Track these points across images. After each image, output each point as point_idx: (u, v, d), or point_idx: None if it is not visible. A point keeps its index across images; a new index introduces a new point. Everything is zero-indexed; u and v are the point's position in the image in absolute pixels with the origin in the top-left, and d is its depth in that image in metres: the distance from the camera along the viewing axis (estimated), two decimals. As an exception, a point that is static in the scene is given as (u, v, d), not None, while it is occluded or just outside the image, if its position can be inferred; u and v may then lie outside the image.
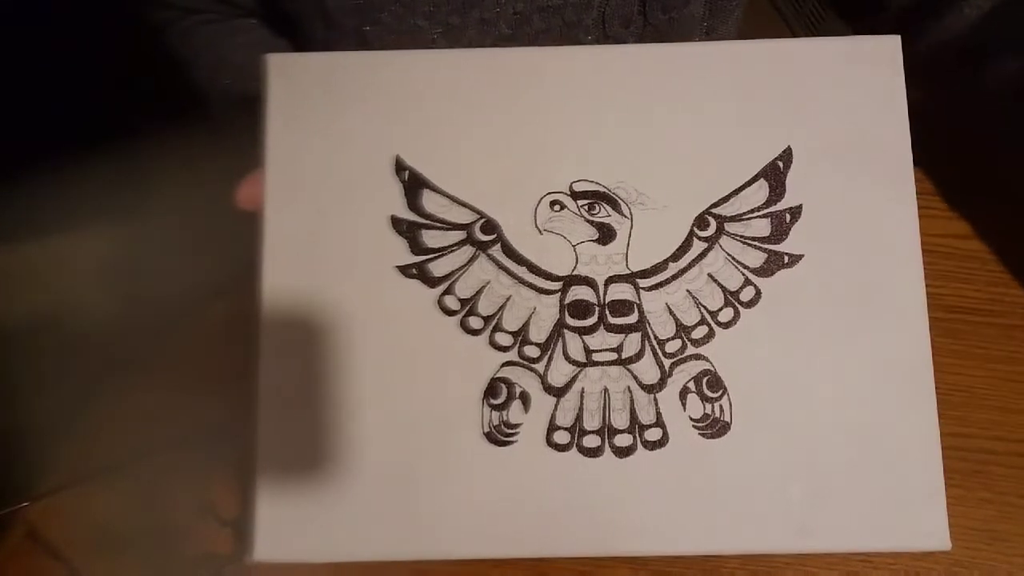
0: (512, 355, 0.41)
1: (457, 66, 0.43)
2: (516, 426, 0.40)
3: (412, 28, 0.55)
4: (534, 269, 0.42)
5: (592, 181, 0.42)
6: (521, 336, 0.41)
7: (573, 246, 0.42)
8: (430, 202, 0.42)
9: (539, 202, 0.42)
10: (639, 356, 0.41)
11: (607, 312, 0.41)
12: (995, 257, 0.58)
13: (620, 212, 0.42)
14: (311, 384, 0.41)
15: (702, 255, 0.42)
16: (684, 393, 0.41)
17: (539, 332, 0.41)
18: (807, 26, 1.39)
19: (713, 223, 0.42)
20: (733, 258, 0.42)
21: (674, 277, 0.41)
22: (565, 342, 0.41)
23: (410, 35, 0.55)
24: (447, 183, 0.42)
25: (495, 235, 0.42)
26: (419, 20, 0.54)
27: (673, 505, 0.40)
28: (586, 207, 0.42)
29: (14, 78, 0.83)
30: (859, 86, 0.42)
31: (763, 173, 0.42)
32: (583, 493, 0.40)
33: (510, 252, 0.42)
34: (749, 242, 0.42)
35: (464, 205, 0.42)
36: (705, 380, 0.41)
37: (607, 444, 0.40)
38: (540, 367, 0.41)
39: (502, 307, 0.41)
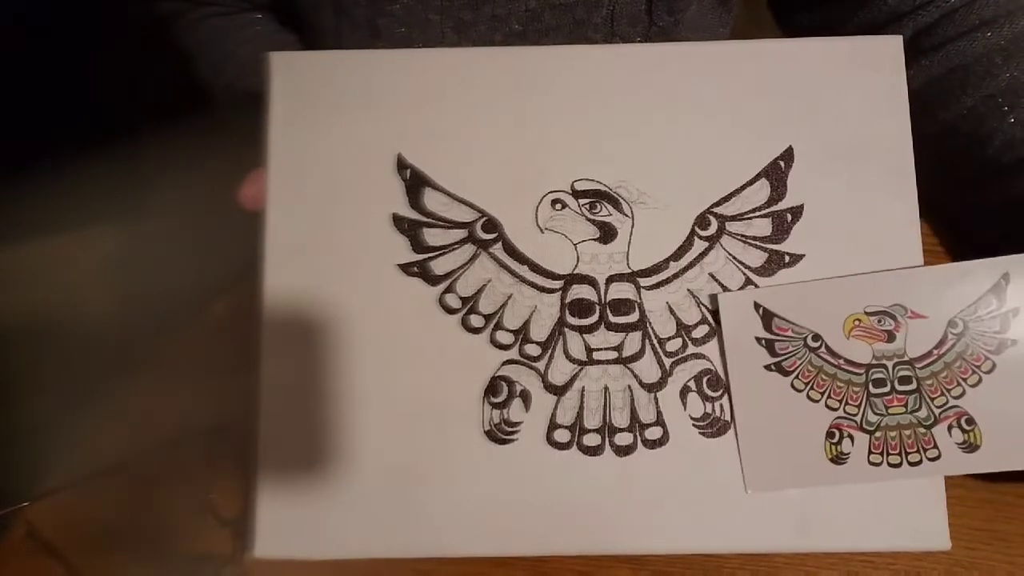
0: (513, 353, 0.41)
1: (458, 65, 0.43)
2: (517, 424, 0.40)
3: (423, 22, 0.55)
4: (535, 268, 0.42)
5: (593, 180, 0.42)
6: (522, 335, 0.41)
7: (574, 245, 0.42)
8: (431, 200, 0.42)
9: (540, 201, 0.42)
10: (640, 355, 0.41)
11: (608, 311, 0.41)
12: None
13: (621, 211, 0.42)
14: (312, 382, 0.41)
15: (703, 254, 0.42)
16: (685, 392, 0.41)
17: (540, 331, 0.41)
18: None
19: (714, 222, 0.42)
20: (734, 257, 0.42)
21: (675, 276, 0.42)
22: (566, 341, 0.41)
23: (421, 29, 0.55)
24: (448, 181, 0.42)
25: (496, 233, 0.42)
26: (431, 14, 0.54)
27: (673, 504, 0.40)
28: (587, 206, 0.42)
29: (14, 78, 0.83)
30: (861, 86, 0.42)
31: (764, 172, 0.42)
32: (583, 492, 0.40)
33: (511, 251, 0.42)
34: (750, 241, 0.42)
35: (465, 203, 0.42)
36: (706, 379, 0.41)
37: (607, 443, 0.40)
38: (541, 366, 0.41)
39: (503, 305, 0.41)
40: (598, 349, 0.41)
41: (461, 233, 0.42)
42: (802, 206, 0.42)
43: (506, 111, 0.42)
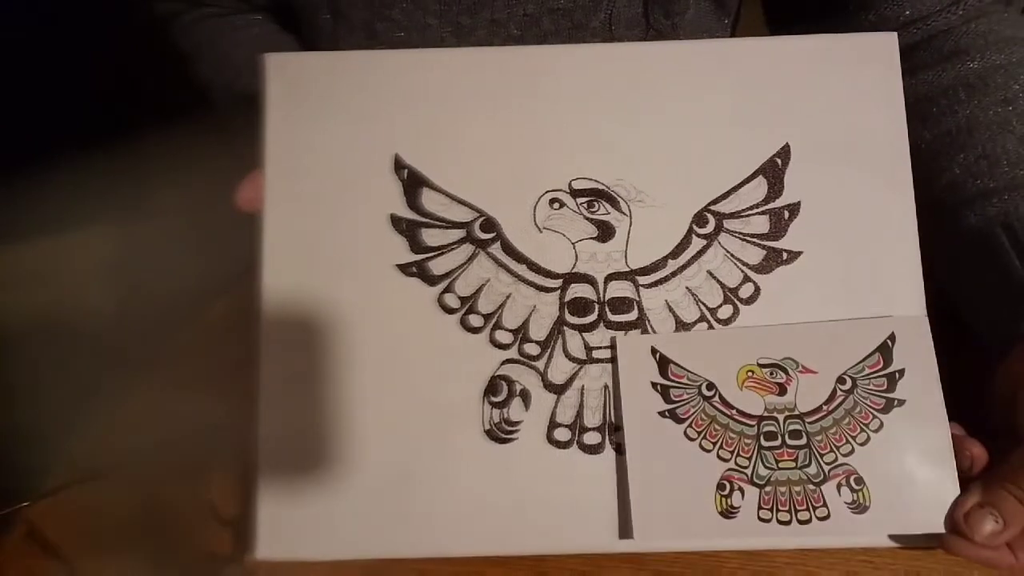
0: (512, 353, 0.41)
1: (455, 65, 0.43)
2: (517, 424, 0.40)
3: (422, 26, 0.55)
4: (534, 267, 0.42)
5: (591, 179, 0.42)
6: (521, 334, 0.41)
7: (572, 244, 0.42)
8: (429, 200, 0.42)
9: (538, 200, 0.42)
10: (639, 353, 0.41)
11: (607, 309, 0.41)
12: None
13: (619, 209, 0.42)
14: (311, 383, 0.41)
15: (701, 252, 0.42)
16: (684, 390, 0.41)
17: (539, 330, 0.41)
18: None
19: (712, 220, 0.42)
20: (732, 255, 0.42)
21: (673, 274, 0.42)
22: (565, 340, 0.41)
23: (419, 33, 0.55)
24: (446, 181, 0.42)
25: (495, 233, 0.42)
26: (429, 19, 0.54)
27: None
28: (585, 205, 0.42)
29: (15, 77, 0.83)
30: (857, 83, 0.42)
31: (762, 170, 0.42)
32: (584, 490, 0.40)
33: (510, 250, 0.42)
34: (748, 239, 0.42)
35: (463, 203, 0.42)
36: (705, 377, 0.41)
37: (608, 441, 0.40)
38: (540, 365, 0.41)
39: (502, 305, 0.41)
40: (597, 348, 0.41)
41: (459, 233, 0.42)
42: (799, 203, 0.42)
43: (503, 110, 0.42)
